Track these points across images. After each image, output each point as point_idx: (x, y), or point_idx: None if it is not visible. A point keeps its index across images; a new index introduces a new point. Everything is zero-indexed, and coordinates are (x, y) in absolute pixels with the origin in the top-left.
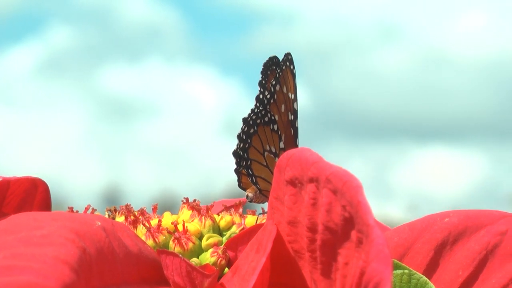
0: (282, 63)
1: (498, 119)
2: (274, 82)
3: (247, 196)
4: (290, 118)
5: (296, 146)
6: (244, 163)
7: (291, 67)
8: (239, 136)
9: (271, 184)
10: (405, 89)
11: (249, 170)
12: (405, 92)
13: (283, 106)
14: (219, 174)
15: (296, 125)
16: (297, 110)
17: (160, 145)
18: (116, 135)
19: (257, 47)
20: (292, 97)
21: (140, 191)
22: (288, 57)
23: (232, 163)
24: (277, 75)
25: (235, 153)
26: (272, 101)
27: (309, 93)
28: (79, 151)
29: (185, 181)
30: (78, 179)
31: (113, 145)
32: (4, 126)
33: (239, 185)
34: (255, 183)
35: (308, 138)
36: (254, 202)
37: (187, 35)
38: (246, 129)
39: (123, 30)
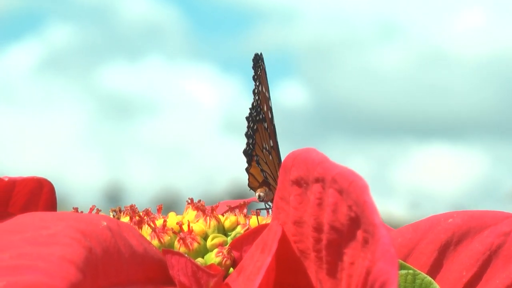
0: (260, 62)
1: (499, 117)
2: (258, 82)
3: (259, 196)
4: (269, 116)
5: (277, 144)
6: (254, 160)
7: (263, 65)
8: (247, 134)
9: (274, 180)
10: (405, 87)
11: (260, 166)
12: (406, 90)
13: (265, 105)
14: (220, 172)
15: (273, 123)
16: (272, 108)
17: (161, 143)
18: (117, 133)
19: (257, 45)
20: (268, 95)
21: (141, 189)
22: (258, 56)
23: (234, 160)
24: (258, 73)
25: (245, 152)
26: (260, 98)
27: (310, 91)
28: (80, 149)
29: (186, 178)
30: (79, 177)
31: (114, 143)
32: (5, 125)
33: (248, 185)
34: (266, 178)
35: (309, 136)
36: (265, 201)
37: (187, 33)
38: (252, 125)
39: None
